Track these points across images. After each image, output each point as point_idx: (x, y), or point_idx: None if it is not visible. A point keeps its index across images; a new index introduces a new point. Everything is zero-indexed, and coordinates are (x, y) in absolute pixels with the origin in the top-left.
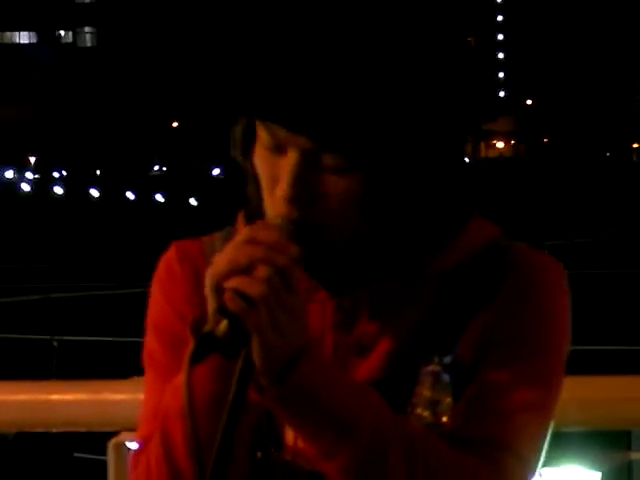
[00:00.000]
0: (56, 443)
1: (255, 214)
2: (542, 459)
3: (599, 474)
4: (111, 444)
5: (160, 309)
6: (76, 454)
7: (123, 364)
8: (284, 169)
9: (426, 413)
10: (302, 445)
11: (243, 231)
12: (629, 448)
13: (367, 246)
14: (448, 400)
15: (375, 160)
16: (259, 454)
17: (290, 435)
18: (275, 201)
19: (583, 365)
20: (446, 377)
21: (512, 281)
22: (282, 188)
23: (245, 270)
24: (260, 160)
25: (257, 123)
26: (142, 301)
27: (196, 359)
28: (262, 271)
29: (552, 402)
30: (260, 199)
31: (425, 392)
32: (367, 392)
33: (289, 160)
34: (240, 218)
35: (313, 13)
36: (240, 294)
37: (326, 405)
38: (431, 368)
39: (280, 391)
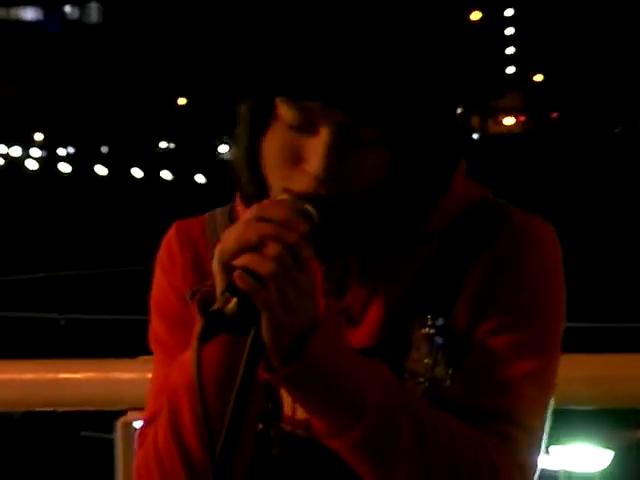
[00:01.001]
0: (62, 422)
1: (251, 195)
2: (548, 430)
3: (611, 452)
4: (119, 423)
5: (161, 290)
6: (83, 433)
7: (131, 342)
8: (314, 146)
9: (422, 378)
10: (302, 416)
11: (252, 208)
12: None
13: (371, 216)
14: (444, 364)
15: (404, 132)
16: (260, 426)
17: (288, 406)
18: (299, 176)
19: (592, 342)
20: (439, 340)
21: (504, 243)
22: (314, 166)
23: (254, 247)
24: (280, 141)
25: (279, 103)
26: (149, 279)
27: (205, 337)
28: (272, 248)
29: (553, 369)
30: (254, 180)
31: (420, 357)
32: (376, 366)
33: (322, 137)
34: (238, 197)
35: None
36: (249, 272)
37: (336, 381)
38: (424, 331)
39: (290, 369)
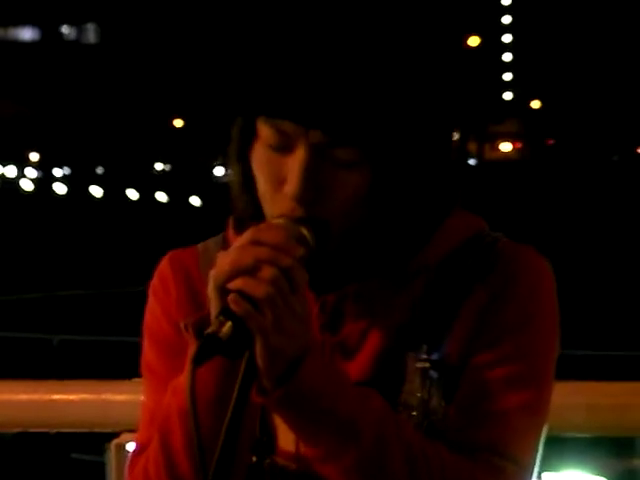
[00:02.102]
0: (53, 443)
1: (243, 219)
2: (540, 461)
3: None
4: (112, 445)
5: (155, 318)
6: (73, 454)
7: (125, 364)
8: (291, 167)
9: (415, 412)
10: (302, 451)
11: (247, 232)
12: (634, 455)
13: (359, 244)
14: (437, 398)
15: (383, 154)
16: (254, 458)
17: (285, 440)
18: (281, 199)
19: (589, 370)
20: (434, 374)
21: (497, 276)
22: (291, 187)
23: (249, 271)
24: (261, 160)
25: (259, 122)
26: (143, 300)
27: (199, 360)
28: (267, 272)
29: (545, 401)
30: (250, 202)
31: (414, 390)
32: (369, 393)
33: (297, 157)
34: (230, 224)
35: (323, 8)
36: (244, 295)
37: (329, 407)
38: (419, 365)
39: (283, 393)
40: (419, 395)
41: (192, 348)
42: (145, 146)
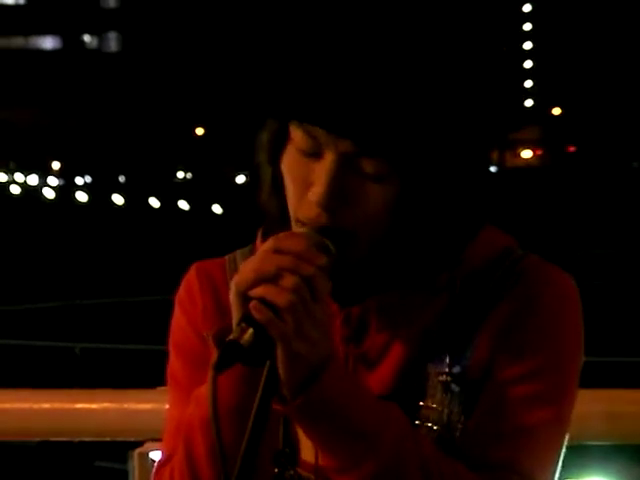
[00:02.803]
0: (77, 451)
1: (272, 229)
2: (561, 468)
3: None
4: (135, 454)
5: (181, 329)
6: (97, 463)
7: (148, 373)
8: (319, 173)
9: (435, 425)
10: (321, 462)
11: (269, 241)
12: None
13: (386, 256)
14: (458, 412)
15: (412, 168)
16: (276, 470)
17: (306, 451)
18: (306, 205)
19: (609, 378)
20: (455, 388)
21: (522, 292)
22: (315, 192)
23: (271, 279)
24: (292, 164)
25: (292, 126)
26: (166, 309)
27: (221, 367)
28: (289, 280)
29: (566, 419)
30: (279, 207)
31: (435, 404)
32: (390, 407)
33: (325, 164)
34: (259, 235)
35: (360, 15)
36: (266, 303)
37: (349, 416)
38: (441, 379)
39: (303, 401)
40: (440, 409)
41: (214, 356)
42: (167, 154)
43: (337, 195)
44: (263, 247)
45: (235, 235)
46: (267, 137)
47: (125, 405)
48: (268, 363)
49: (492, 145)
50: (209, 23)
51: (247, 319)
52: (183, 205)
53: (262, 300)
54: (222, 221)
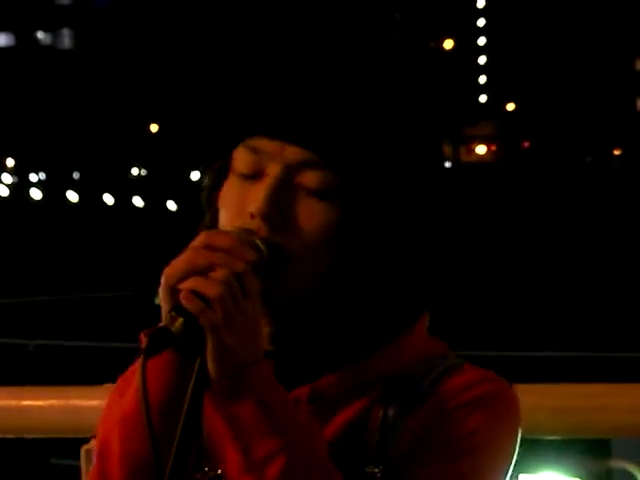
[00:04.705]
0: (32, 448)
1: None
2: (516, 463)
3: None
4: (83, 450)
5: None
6: (53, 460)
7: (100, 369)
8: (259, 190)
9: None
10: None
11: (200, 236)
12: (609, 456)
13: (328, 314)
14: None
15: (355, 186)
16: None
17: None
18: (243, 219)
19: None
20: (388, 473)
21: (456, 385)
22: (256, 204)
23: (202, 272)
24: (229, 191)
25: (235, 152)
26: (118, 305)
27: (150, 352)
28: (220, 273)
29: None
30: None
31: None
32: (311, 425)
33: (268, 178)
34: None
35: (301, 23)
36: (196, 294)
37: (266, 409)
38: (369, 471)
39: (227, 384)
40: None
41: (143, 344)
42: (121, 151)
43: (277, 207)
44: (194, 243)
45: (190, 232)
46: (216, 167)
47: (71, 402)
48: (199, 360)
49: (442, 136)
50: (165, 21)
51: (177, 309)
52: (137, 202)
53: (193, 291)
54: (177, 218)
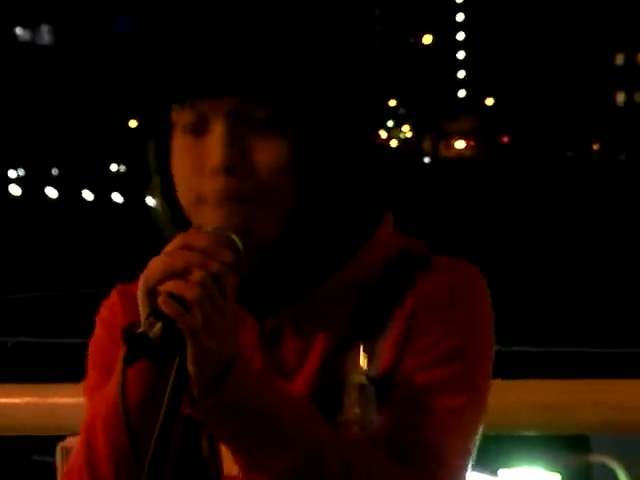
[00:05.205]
0: (13, 446)
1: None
2: (496, 458)
3: (558, 476)
4: (59, 448)
5: (101, 343)
6: (34, 457)
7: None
8: (212, 142)
9: (354, 429)
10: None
11: (177, 238)
12: (588, 451)
13: (292, 246)
14: (372, 411)
15: (301, 114)
16: None
17: (228, 465)
18: (208, 179)
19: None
20: (371, 389)
21: (424, 286)
22: (215, 158)
23: (179, 275)
24: (182, 148)
25: (173, 113)
26: (96, 303)
27: (130, 360)
28: (197, 275)
29: (479, 406)
30: (174, 216)
31: (352, 407)
32: (301, 400)
33: (216, 131)
34: None
35: None
36: (174, 297)
37: (261, 412)
38: (356, 380)
39: (215, 399)
40: (357, 411)
41: (122, 350)
42: (100, 147)
43: (235, 154)
44: (171, 244)
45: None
46: (151, 146)
47: (47, 400)
48: (177, 359)
49: (421, 128)
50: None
51: (155, 313)
52: (117, 198)
53: (170, 295)
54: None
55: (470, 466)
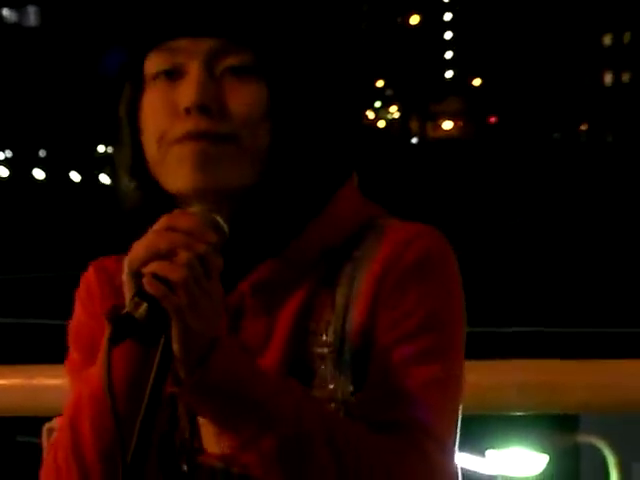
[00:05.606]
0: None
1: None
2: (484, 438)
3: (546, 456)
4: (44, 429)
5: (80, 322)
6: (19, 437)
7: (60, 348)
8: (186, 84)
9: (331, 403)
10: (224, 449)
11: (162, 219)
12: (576, 431)
13: (263, 199)
14: (348, 383)
15: (276, 60)
16: (184, 466)
17: (208, 441)
18: (180, 121)
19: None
20: (344, 359)
21: (389, 252)
22: (188, 98)
23: (164, 256)
24: (154, 93)
25: (146, 62)
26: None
27: (115, 340)
28: (182, 256)
29: (457, 374)
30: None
31: (324, 380)
32: (285, 378)
33: (192, 71)
34: None
35: None
36: (159, 278)
37: (248, 391)
38: (326, 352)
39: (198, 377)
40: (331, 384)
41: (107, 330)
42: (87, 128)
43: (209, 95)
44: (156, 226)
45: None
46: (124, 99)
47: (33, 381)
48: (162, 339)
49: (408, 108)
50: None
51: (141, 294)
52: (104, 179)
53: (155, 275)
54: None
55: (457, 446)
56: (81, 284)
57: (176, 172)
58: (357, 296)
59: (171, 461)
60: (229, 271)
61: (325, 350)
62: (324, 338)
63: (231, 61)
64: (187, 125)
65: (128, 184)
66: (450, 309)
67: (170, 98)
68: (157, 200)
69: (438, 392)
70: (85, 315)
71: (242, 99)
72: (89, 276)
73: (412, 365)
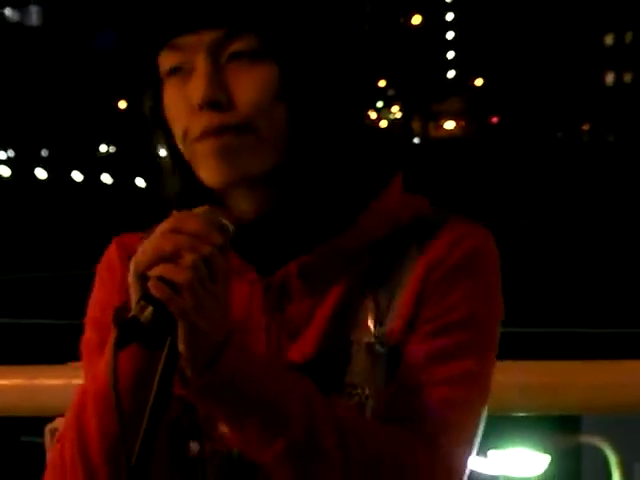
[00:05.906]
0: (0, 427)
1: (178, 193)
2: (486, 439)
3: (548, 457)
4: (47, 429)
5: (98, 302)
6: (23, 437)
7: (61, 348)
8: (195, 84)
9: (360, 390)
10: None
11: (167, 221)
12: (579, 432)
13: (291, 198)
14: (381, 375)
15: (285, 46)
16: (195, 446)
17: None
18: (196, 118)
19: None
20: (380, 350)
21: (439, 248)
22: (199, 92)
23: (169, 258)
24: (169, 93)
25: (160, 61)
26: (87, 283)
27: (121, 345)
28: (187, 258)
29: (488, 371)
30: (183, 176)
31: (359, 369)
32: (297, 377)
33: (198, 67)
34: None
35: None
36: (165, 281)
37: (255, 392)
38: (365, 340)
39: (207, 379)
40: (365, 373)
41: (113, 334)
42: (89, 128)
43: (219, 88)
44: (160, 228)
45: (158, 209)
46: (146, 99)
47: (34, 381)
48: (168, 341)
49: (411, 108)
50: None
51: (146, 297)
52: (106, 179)
53: (161, 278)
54: (146, 194)
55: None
56: (102, 259)
57: (203, 169)
58: (401, 289)
59: (181, 444)
60: (273, 250)
61: (364, 339)
62: (364, 327)
63: (235, 47)
64: (202, 121)
65: (173, 185)
66: (490, 309)
67: (185, 95)
68: (201, 193)
69: (467, 386)
70: (103, 292)
71: (252, 84)
72: (111, 251)
73: (446, 357)
